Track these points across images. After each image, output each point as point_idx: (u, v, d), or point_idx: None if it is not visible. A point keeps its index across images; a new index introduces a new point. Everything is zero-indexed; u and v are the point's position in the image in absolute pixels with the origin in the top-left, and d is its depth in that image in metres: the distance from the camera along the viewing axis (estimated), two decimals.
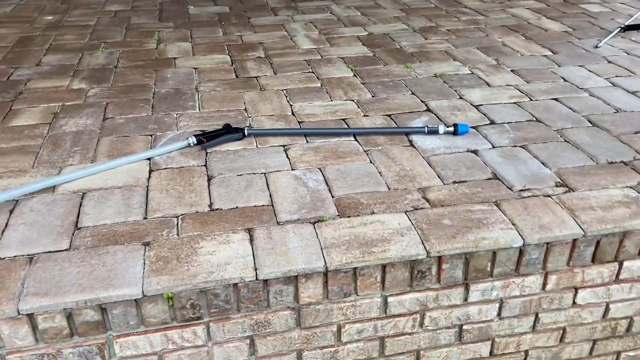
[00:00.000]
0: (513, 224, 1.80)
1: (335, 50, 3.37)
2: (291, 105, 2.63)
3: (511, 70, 3.05)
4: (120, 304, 1.54)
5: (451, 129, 2.35)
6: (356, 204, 1.90)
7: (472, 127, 2.42)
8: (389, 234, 1.75)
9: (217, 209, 1.87)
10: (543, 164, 2.14)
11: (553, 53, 3.32)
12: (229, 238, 1.72)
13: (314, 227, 1.78)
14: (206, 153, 2.21)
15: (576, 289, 1.92)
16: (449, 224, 1.80)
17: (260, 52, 3.36)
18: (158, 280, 1.55)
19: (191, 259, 1.64)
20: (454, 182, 2.03)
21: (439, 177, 2.06)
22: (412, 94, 2.76)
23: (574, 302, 1.95)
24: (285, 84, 2.87)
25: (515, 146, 2.27)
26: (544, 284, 1.88)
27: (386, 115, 2.54)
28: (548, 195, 1.95)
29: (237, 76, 2.98)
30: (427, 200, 1.92)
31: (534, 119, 2.50)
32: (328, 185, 2.00)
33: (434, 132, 2.35)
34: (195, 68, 3.09)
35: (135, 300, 1.55)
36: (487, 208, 1.88)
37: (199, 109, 2.59)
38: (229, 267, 1.61)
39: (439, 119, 2.51)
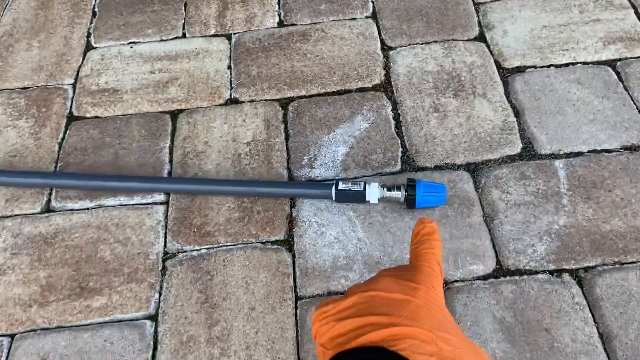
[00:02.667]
0: None
1: None
2: (85, 52, 1.19)
3: None
4: None
5: (399, 194, 0.90)
6: None
7: (474, 165, 0.95)
8: None
9: None
10: None
11: None
12: None
13: None
14: None
15: None
16: None
17: None
18: None
19: None
20: None
21: None
22: (371, 15, 1.21)
23: None
24: None
25: (560, 271, 0.84)
26: None
27: (277, 99, 1.08)
28: None
29: None
30: None
31: None
32: None
33: (355, 198, 0.91)
34: None
35: None
36: None
37: None
38: None
39: (396, 130, 1.02)
